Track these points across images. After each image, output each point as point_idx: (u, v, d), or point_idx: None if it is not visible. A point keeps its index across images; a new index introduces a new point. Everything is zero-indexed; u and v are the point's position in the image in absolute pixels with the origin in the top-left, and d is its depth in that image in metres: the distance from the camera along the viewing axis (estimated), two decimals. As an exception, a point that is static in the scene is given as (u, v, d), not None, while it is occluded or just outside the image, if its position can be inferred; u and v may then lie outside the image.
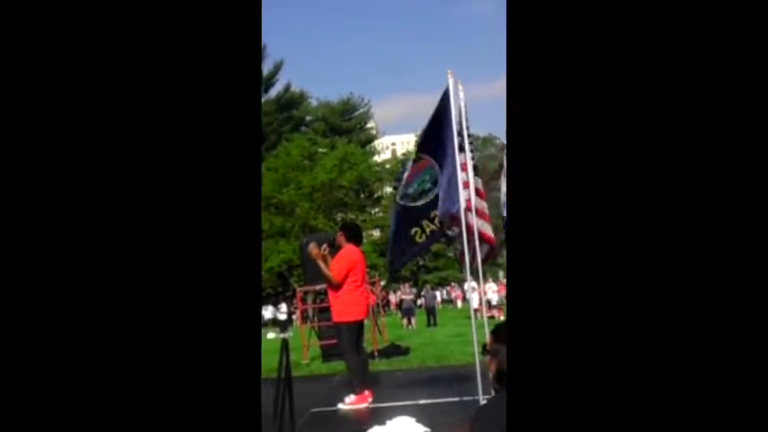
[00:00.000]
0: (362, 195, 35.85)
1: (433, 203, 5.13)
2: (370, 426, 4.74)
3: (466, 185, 4.97)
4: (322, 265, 5.80)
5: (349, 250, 5.86)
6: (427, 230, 5.16)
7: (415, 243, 5.24)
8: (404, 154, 47.69)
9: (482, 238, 4.96)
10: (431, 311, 19.47)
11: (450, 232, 5.15)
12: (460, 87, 5.20)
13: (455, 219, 4.97)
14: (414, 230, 5.22)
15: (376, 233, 32.96)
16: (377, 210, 37.43)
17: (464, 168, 4.97)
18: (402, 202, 5.29)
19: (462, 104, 5.13)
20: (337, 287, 5.75)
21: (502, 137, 47.91)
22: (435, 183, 5.13)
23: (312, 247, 5.91)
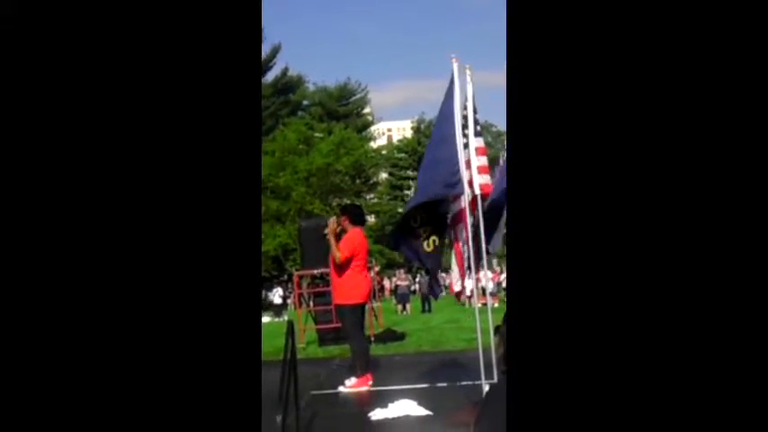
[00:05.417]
0: (358, 181, 35.75)
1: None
2: (372, 408, 4.76)
3: (482, 170, 4.97)
4: (333, 240, 5.78)
5: (355, 233, 5.86)
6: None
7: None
8: (399, 140, 47.60)
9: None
10: (426, 298, 19.51)
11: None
12: (468, 72, 5.16)
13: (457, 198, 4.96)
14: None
15: (371, 219, 32.95)
16: (372, 195, 37.38)
17: (480, 153, 4.97)
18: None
19: (469, 90, 5.09)
20: (339, 267, 5.74)
21: (498, 125, 47.75)
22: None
23: (332, 221, 5.93)
